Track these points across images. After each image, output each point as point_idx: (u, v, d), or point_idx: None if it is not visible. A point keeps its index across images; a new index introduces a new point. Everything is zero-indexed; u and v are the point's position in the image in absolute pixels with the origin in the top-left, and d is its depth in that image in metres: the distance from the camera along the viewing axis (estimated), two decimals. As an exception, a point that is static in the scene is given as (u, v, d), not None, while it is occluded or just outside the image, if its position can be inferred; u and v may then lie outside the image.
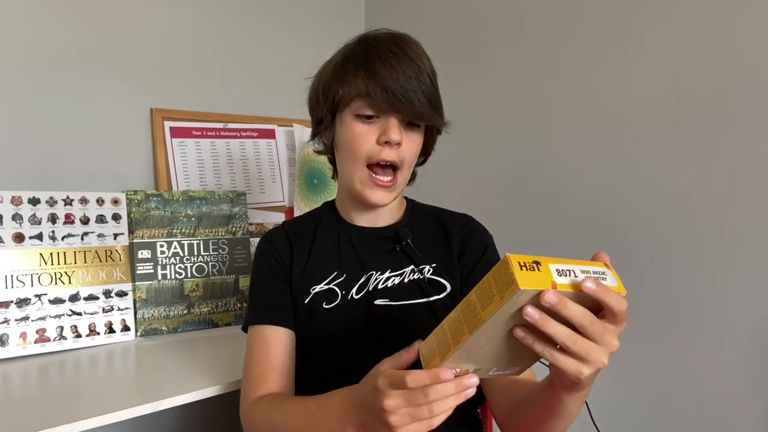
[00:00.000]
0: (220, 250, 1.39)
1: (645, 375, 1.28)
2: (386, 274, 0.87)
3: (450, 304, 0.85)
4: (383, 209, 0.90)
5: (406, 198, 0.97)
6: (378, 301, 0.85)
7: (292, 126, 1.68)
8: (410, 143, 0.84)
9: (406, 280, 0.87)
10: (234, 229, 1.42)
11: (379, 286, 0.86)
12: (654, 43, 1.24)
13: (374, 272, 0.87)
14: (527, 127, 1.49)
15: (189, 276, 1.34)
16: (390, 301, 0.85)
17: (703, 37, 1.17)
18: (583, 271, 0.53)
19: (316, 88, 0.89)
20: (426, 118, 0.83)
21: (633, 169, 1.29)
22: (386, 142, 0.81)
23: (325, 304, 0.86)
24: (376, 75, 0.79)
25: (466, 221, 0.94)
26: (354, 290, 0.87)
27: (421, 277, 0.87)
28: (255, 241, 1.48)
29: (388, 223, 0.92)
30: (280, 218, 1.62)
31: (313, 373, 0.86)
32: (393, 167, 0.84)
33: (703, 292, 1.19)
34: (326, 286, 0.87)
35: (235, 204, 1.43)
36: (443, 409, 0.56)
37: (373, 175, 0.83)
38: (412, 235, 0.89)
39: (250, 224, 1.49)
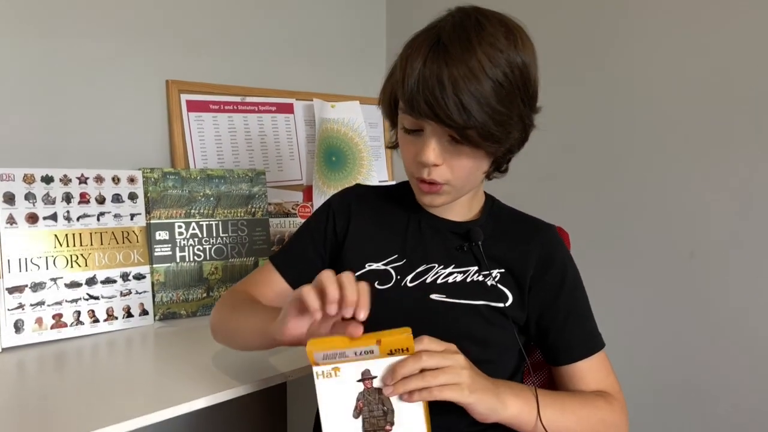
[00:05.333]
0: (240, 232, 1.33)
1: (683, 371, 1.24)
2: (449, 269, 0.82)
3: (509, 315, 0.80)
4: (455, 203, 0.84)
5: (486, 194, 0.90)
6: (434, 296, 0.81)
7: (311, 100, 1.60)
8: (458, 163, 0.74)
9: (468, 280, 0.82)
10: (253, 209, 1.36)
11: (439, 281, 0.82)
12: (702, 36, 1.17)
13: (437, 265, 0.83)
14: (565, 116, 1.42)
15: (208, 258, 1.29)
16: (446, 297, 0.80)
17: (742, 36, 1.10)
18: (355, 353, 0.64)
19: (385, 80, 0.81)
20: (469, 138, 0.70)
21: (675, 159, 1.23)
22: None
23: (378, 284, 0.82)
24: (411, 76, 0.69)
25: (551, 237, 0.86)
26: (409, 278, 0.82)
27: (486, 281, 0.82)
28: (274, 221, 1.43)
29: (462, 218, 0.86)
30: (298, 197, 1.56)
31: None
32: None
33: (743, 290, 1.15)
34: (383, 266, 0.83)
35: (255, 183, 1.37)
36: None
37: (421, 182, 0.77)
38: (485, 236, 0.83)
39: (269, 204, 1.43)
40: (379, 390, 0.66)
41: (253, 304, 0.84)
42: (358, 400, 0.66)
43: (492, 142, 0.72)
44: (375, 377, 0.66)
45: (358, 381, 0.66)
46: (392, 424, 0.66)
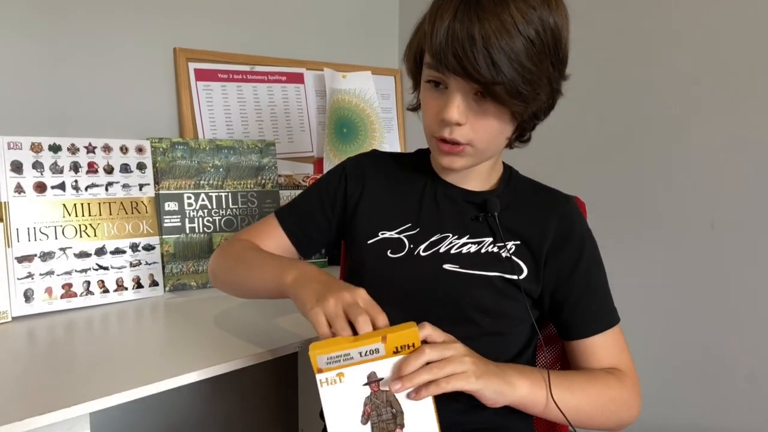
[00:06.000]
0: (249, 203, 1.32)
1: (699, 347, 1.22)
2: (463, 240, 0.80)
3: (522, 288, 0.78)
4: (473, 171, 0.81)
5: (504, 164, 0.88)
6: (447, 266, 0.79)
7: (322, 70, 1.57)
8: (482, 124, 0.72)
9: (482, 251, 0.79)
10: (263, 181, 1.34)
11: (452, 251, 0.80)
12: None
13: (451, 235, 0.80)
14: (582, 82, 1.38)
15: (217, 230, 1.27)
16: (459, 267, 0.78)
17: None
18: (360, 353, 0.62)
19: (412, 34, 0.78)
20: (496, 94, 0.68)
21: (695, 126, 1.19)
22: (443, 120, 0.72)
23: (390, 253, 0.81)
24: (441, 29, 0.67)
25: (570, 209, 0.83)
26: (423, 247, 0.80)
27: (500, 252, 0.79)
28: (284, 193, 1.41)
29: (479, 187, 0.84)
30: (308, 169, 1.54)
31: None
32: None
33: (764, 261, 1.11)
34: (396, 235, 0.82)
35: (264, 154, 1.35)
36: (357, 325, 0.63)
37: (441, 142, 0.75)
38: (502, 207, 0.80)
39: (279, 176, 1.41)
40: (386, 392, 0.64)
41: (262, 254, 0.84)
42: (365, 404, 0.64)
43: (519, 101, 0.69)
44: (381, 379, 0.63)
45: (365, 385, 0.64)
46: (402, 426, 0.64)
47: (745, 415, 1.16)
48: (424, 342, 0.66)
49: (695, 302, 1.21)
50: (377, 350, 0.62)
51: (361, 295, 0.66)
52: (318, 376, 0.63)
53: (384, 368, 0.63)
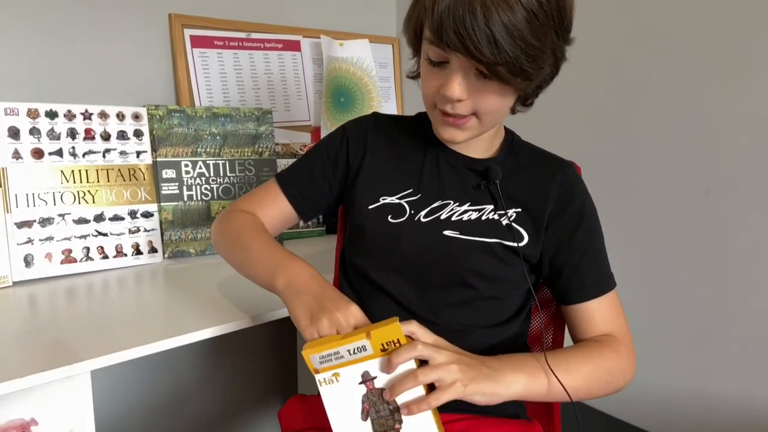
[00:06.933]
0: (247, 172, 1.32)
1: (692, 312, 1.24)
2: (464, 207, 0.80)
3: (522, 254, 0.79)
4: (475, 139, 0.80)
5: (506, 129, 0.87)
6: (447, 232, 0.79)
7: (319, 37, 1.55)
8: (484, 100, 0.71)
9: (483, 218, 0.80)
10: (260, 149, 1.34)
11: (453, 218, 0.80)
12: None
13: (452, 202, 0.81)
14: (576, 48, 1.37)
15: (215, 198, 1.28)
16: (460, 234, 0.79)
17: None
18: (349, 351, 0.65)
19: (411, 6, 0.76)
20: (499, 74, 0.66)
21: (689, 92, 1.19)
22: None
23: (391, 218, 0.81)
24: (441, 2, 0.65)
25: (572, 175, 0.83)
26: (423, 213, 0.80)
27: (500, 220, 0.80)
28: (282, 162, 1.41)
29: (481, 155, 0.83)
30: (306, 138, 1.54)
31: (354, 272, 0.85)
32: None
33: (758, 229, 1.12)
34: (397, 200, 0.82)
35: (261, 122, 1.34)
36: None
37: (443, 114, 0.74)
38: (503, 174, 0.80)
39: (276, 144, 1.41)
40: (382, 390, 0.65)
41: (258, 240, 0.83)
42: (363, 402, 0.66)
43: (522, 79, 0.68)
44: (375, 377, 0.65)
45: (360, 383, 0.66)
46: (401, 422, 0.65)
47: (736, 379, 1.18)
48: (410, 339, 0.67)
49: (688, 268, 1.22)
50: (364, 347, 0.64)
51: (354, 314, 0.68)
52: (316, 377, 0.66)
53: (376, 368, 0.66)
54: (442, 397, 0.64)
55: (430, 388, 0.66)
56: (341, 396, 0.66)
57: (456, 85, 0.69)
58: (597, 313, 0.80)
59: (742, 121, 1.12)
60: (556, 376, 0.71)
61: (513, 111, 0.79)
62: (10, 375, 0.65)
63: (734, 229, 1.15)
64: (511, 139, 0.86)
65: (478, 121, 0.74)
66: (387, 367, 0.65)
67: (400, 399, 0.65)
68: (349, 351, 0.64)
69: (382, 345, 0.64)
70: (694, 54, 1.18)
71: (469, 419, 0.79)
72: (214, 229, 0.90)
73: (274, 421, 1.53)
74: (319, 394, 0.86)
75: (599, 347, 0.78)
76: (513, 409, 0.84)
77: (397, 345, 0.64)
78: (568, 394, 0.72)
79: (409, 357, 0.64)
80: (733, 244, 1.16)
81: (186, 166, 1.25)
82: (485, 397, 0.67)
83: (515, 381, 0.69)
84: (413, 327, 0.67)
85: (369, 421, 0.66)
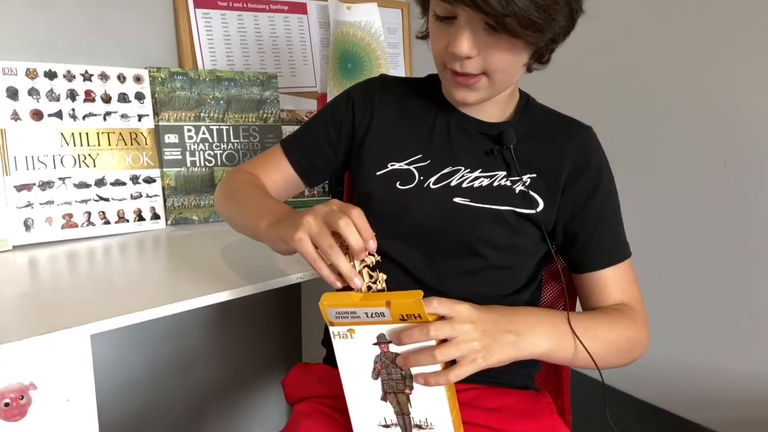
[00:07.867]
0: (251, 138, 1.29)
1: (705, 286, 1.21)
2: (475, 173, 0.77)
3: (535, 221, 0.76)
4: (489, 101, 0.77)
5: (521, 92, 0.84)
6: (457, 199, 0.76)
7: (326, 0, 1.50)
8: (494, 55, 0.68)
9: (495, 184, 0.77)
10: (265, 115, 1.31)
11: (464, 185, 0.77)
12: None
13: (463, 168, 0.78)
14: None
15: (219, 164, 1.25)
16: (470, 201, 0.76)
17: None
18: (366, 314, 0.62)
19: None
20: (508, 26, 0.63)
21: (708, 61, 1.14)
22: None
23: (399, 184, 0.78)
24: None
25: (589, 138, 0.80)
26: (433, 179, 0.78)
27: (513, 187, 0.77)
28: (287, 129, 1.38)
29: (494, 119, 0.80)
30: (312, 105, 1.50)
31: None
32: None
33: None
34: (406, 166, 0.79)
35: (266, 87, 1.31)
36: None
37: (454, 73, 0.70)
38: (518, 138, 0.77)
39: (281, 110, 1.38)
40: (395, 355, 0.63)
41: (251, 194, 0.81)
42: (375, 362, 0.64)
43: (533, 31, 0.64)
44: (390, 342, 0.63)
45: (374, 344, 0.64)
46: (412, 388, 0.64)
47: (748, 354, 1.16)
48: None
49: (704, 240, 1.19)
50: (383, 314, 0.62)
51: (335, 202, 0.65)
52: (331, 329, 0.65)
53: (392, 332, 0.63)
54: (462, 373, 0.62)
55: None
56: (354, 352, 0.65)
57: (464, 40, 0.66)
58: (612, 281, 0.78)
59: (761, 88, 1.08)
60: (582, 344, 0.69)
61: (529, 69, 0.75)
62: (8, 338, 0.63)
63: (752, 200, 1.12)
64: (525, 101, 0.83)
65: (489, 80, 0.71)
66: (400, 343, 0.62)
67: (415, 369, 0.63)
68: (366, 314, 0.62)
69: (402, 315, 0.62)
70: (712, 18, 1.13)
71: (477, 389, 0.78)
72: (217, 190, 0.89)
73: (278, 389, 1.53)
74: (323, 363, 0.84)
75: (621, 316, 0.76)
76: (522, 380, 0.83)
77: (418, 318, 0.62)
78: (594, 361, 0.70)
79: (422, 340, 0.61)
80: (751, 216, 1.13)
81: (189, 131, 1.22)
82: (508, 362, 0.65)
83: (540, 343, 0.67)
84: (434, 305, 0.62)
85: (379, 380, 0.65)
